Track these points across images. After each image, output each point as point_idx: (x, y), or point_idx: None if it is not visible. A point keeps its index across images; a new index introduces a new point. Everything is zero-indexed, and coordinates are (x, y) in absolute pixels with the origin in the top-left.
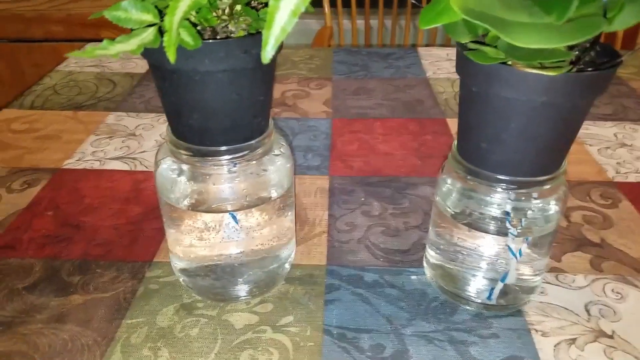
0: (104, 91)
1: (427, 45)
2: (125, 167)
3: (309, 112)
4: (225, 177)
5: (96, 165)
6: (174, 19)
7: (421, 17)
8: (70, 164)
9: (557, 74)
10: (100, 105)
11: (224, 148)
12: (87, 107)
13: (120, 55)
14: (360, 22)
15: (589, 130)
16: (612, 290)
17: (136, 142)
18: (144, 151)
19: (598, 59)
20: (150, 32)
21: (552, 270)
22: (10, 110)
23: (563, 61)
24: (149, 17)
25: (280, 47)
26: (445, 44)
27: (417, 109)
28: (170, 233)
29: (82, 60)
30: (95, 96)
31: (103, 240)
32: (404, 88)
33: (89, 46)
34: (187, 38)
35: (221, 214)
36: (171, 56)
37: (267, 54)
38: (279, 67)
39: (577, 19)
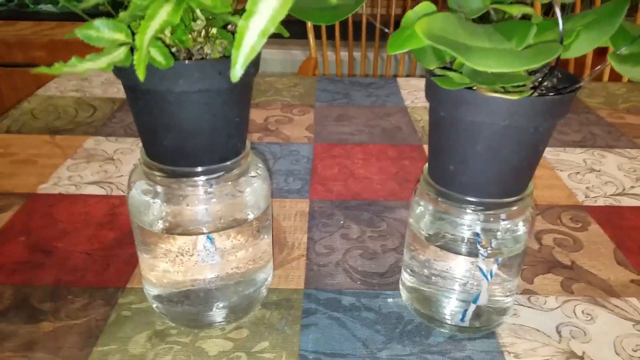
0: (84, 116)
1: (407, 76)
2: (101, 192)
3: (291, 137)
4: (201, 198)
5: (72, 190)
6: (144, 38)
7: (389, 43)
8: (45, 188)
9: (518, 97)
10: (79, 130)
11: (199, 169)
12: (66, 132)
13: (88, 73)
14: (343, 54)
15: (560, 156)
16: (583, 312)
17: (114, 167)
18: (121, 175)
19: (559, 84)
20: (122, 51)
21: (524, 292)
22: None
23: (524, 85)
24: (121, 37)
25: (256, 69)
26: (424, 75)
27: (396, 135)
28: (144, 258)
29: (62, 85)
30: (75, 121)
31: (75, 266)
32: (383, 116)
33: (58, 63)
34: (159, 57)
35: (196, 237)
36: (140, 74)
37: (236, 72)
38: (264, 94)
39: (535, 45)
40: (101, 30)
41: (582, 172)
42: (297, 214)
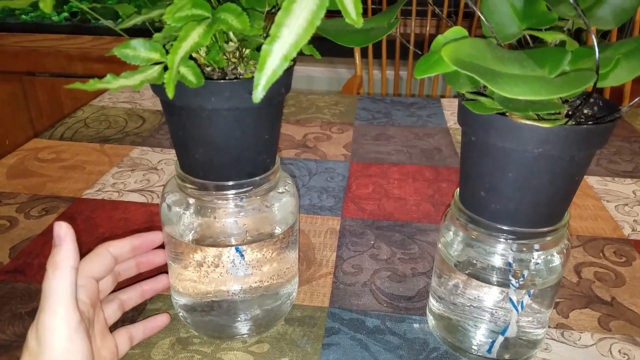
0: (133, 126)
1: (455, 97)
2: (142, 200)
3: (328, 154)
4: (230, 211)
5: (114, 197)
6: (175, 58)
7: (417, 66)
8: (90, 194)
9: (551, 125)
10: (127, 140)
11: (229, 183)
12: (114, 141)
13: (121, 89)
14: (389, 73)
15: (608, 186)
16: (619, 352)
17: (156, 176)
18: (162, 185)
19: (599, 112)
20: (156, 70)
21: (558, 326)
22: (40, 140)
23: (559, 113)
24: (156, 56)
25: (287, 89)
26: None
27: (435, 156)
28: (173, 267)
29: (115, 96)
30: (124, 131)
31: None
32: (423, 136)
33: (92, 80)
34: (191, 76)
35: (224, 249)
36: (169, 92)
37: (258, 94)
38: (305, 111)
39: (569, 73)
40: (137, 49)
41: (630, 204)
42: (327, 231)
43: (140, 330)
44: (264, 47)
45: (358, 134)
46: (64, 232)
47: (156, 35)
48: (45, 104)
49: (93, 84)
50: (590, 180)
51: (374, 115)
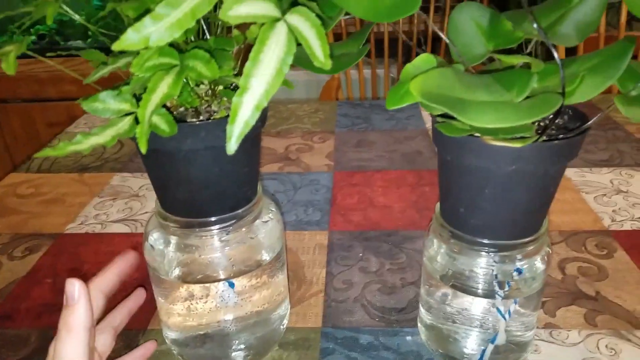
0: (111, 152)
1: None
2: (126, 230)
3: (311, 166)
4: (216, 246)
5: (98, 229)
6: (145, 112)
7: (388, 98)
8: (73, 228)
9: (523, 144)
10: (106, 166)
11: (212, 218)
12: (93, 169)
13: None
14: (367, 72)
15: (585, 177)
16: (606, 346)
17: (139, 203)
18: (145, 212)
19: (570, 122)
20: (126, 122)
21: (546, 325)
22: (18, 174)
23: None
24: (126, 106)
25: (263, 122)
26: None
27: (416, 160)
28: (161, 304)
29: (91, 121)
30: (102, 157)
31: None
32: (403, 140)
33: (62, 142)
34: (163, 125)
35: (212, 283)
36: (142, 147)
37: (231, 146)
38: (285, 121)
39: (535, 96)
40: (107, 101)
41: (608, 194)
42: (316, 246)
43: None
44: (234, 98)
45: (340, 141)
46: (77, 292)
47: (124, 89)
48: (20, 130)
49: (64, 147)
50: (569, 172)
51: (354, 122)
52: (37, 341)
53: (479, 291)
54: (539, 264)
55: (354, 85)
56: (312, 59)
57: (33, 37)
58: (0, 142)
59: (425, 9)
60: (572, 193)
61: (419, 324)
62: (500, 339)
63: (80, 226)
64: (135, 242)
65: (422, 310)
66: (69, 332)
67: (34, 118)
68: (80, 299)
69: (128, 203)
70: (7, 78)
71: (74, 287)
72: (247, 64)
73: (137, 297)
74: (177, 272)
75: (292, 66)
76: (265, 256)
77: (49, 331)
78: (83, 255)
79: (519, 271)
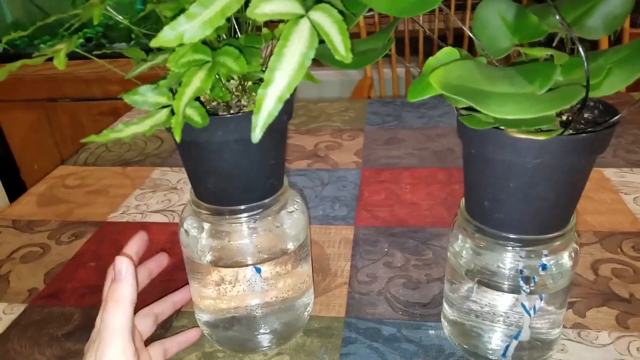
0: (152, 147)
1: None
2: (164, 220)
3: (339, 163)
4: (244, 233)
5: (138, 218)
6: (180, 103)
7: (409, 90)
8: (115, 217)
9: (547, 137)
10: (147, 161)
11: (241, 207)
12: (135, 163)
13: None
14: (400, 70)
15: (625, 177)
16: (638, 349)
17: (177, 196)
18: (182, 204)
19: (599, 116)
20: (163, 113)
21: (574, 326)
22: (66, 166)
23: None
24: (163, 99)
25: (289, 116)
26: None
27: (447, 158)
28: (194, 287)
29: (133, 119)
30: (144, 152)
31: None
32: (435, 137)
33: (106, 130)
34: (196, 117)
35: (239, 269)
36: (177, 136)
37: (256, 135)
38: (315, 120)
39: (558, 88)
40: (145, 94)
41: None
42: (341, 240)
43: (173, 344)
44: (259, 90)
45: (369, 139)
46: (125, 268)
47: (161, 82)
48: (68, 128)
49: (106, 135)
50: (607, 172)
51: (384, 119)
52: (80, 318)
53: (504, 286)
54: (566, 260)
55: (387, 83)
56: (334, 52)
57: (81, 40)
58: (49, 138)
59: (446, 4)
60: (610, 193)
61: (442, 319)
62: (525, 335)
63: (122, 215)
64: (172, 231)
65: (445, 305)
66: (116, 303)
67: (81, 116)
68: (128, 275)
69: (167, 195)
70: (57, 79)
71: (122, 263)
72: (272, 59)
73: (185, 292)
74: (209, 257)
75: (321, 64)
76: (290, 245)
77: (91, 310)
78: (124, 242)
79: (544, 267)
